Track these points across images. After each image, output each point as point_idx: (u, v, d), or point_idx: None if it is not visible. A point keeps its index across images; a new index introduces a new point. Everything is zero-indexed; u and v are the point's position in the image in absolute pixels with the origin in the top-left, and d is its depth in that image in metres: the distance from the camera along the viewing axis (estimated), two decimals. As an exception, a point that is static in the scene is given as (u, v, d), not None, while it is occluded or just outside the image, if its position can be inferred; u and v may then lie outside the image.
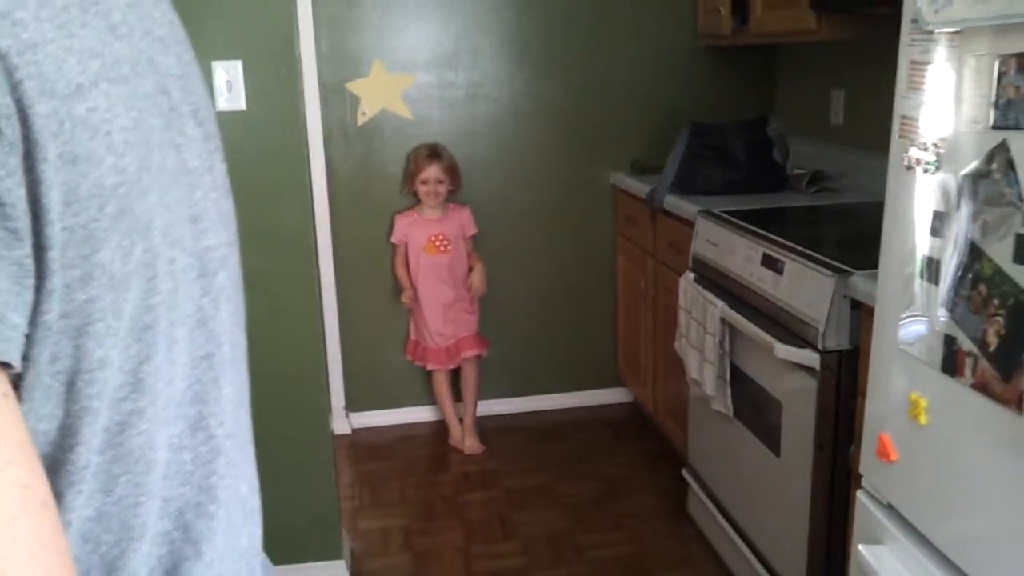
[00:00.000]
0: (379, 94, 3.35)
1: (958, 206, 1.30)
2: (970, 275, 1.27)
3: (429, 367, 3.36)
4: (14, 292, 0.37)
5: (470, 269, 3.33)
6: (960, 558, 1.33)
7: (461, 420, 3.39)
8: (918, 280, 1.40)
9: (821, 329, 1.89)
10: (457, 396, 3.43)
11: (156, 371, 0.46)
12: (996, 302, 1.21)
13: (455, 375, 3.41)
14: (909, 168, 1.42)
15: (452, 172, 3.27)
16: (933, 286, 1.36)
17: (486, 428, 3.46)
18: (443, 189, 3.22)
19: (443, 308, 3.26)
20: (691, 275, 2.56)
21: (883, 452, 1.51)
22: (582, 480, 3.09)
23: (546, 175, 3.51)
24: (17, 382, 0.39)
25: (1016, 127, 1.17)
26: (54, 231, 0.38)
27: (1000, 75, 1.20)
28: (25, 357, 0.38)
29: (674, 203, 2.86)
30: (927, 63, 1.36)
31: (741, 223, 2.39)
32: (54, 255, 0.38)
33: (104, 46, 0.43)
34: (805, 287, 1.96)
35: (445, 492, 3.05)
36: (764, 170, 2.96)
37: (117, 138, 0.42)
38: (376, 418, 3.59)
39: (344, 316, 3.48)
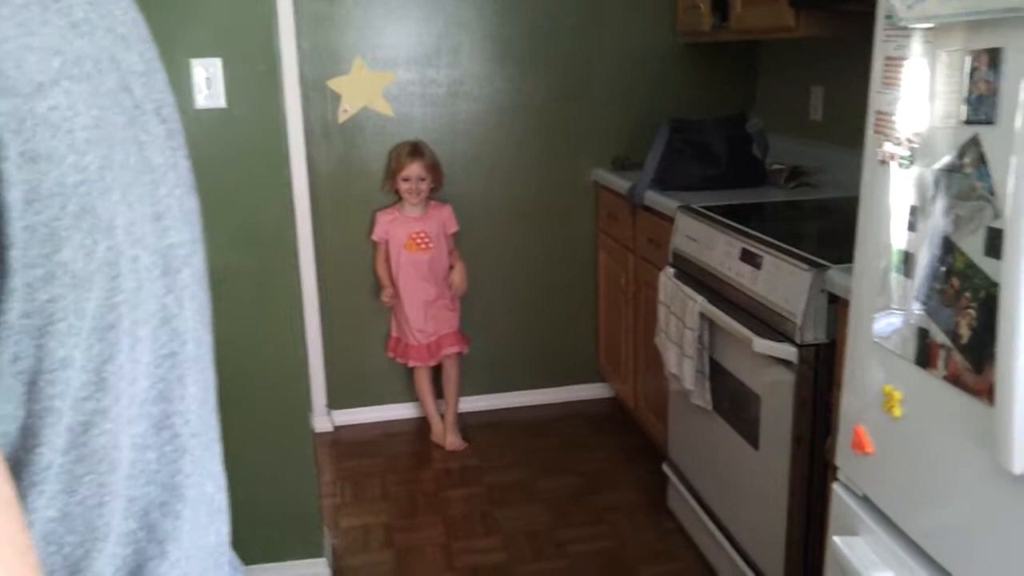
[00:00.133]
0: (360, 91, 3.34)
1: (932, 200, 1.31)
2: (943, 268, 1.28)
3: (411, 364, 3.36)
4: None
5: (451, 267, 3.33)
6: (934, 549, 1.35)
7: (443, 417, 3.39)
8: (893, 274, 1.42)
9: (799, 323, 1.90)
10: (439, 393, 3.43)
11: (119, 370, 0.45)
12: (968, 295, 1.22)
13: (437, 372, 3.41)
14: (884, 163, 1.43)
15: (434, 170, 3.27)
16: (907, 280, 1.38)
17: (468, 424, 3.46)
18: (425, 187, 3.22)
19: (424, 305, 3.26)
20: (671, 270, 2.57)
21: (858, 444, 1.52)
22: (563, 475, 3.10)
23: (527, 172, 3.52)
24: None
25: (987, 122, 1.18)
26: (15, 230, 0.38)
27: (972, 70, 1.21)
28: None
29: (654, 199, 2.87)
30: (901, 59, 1.38)
31: (720, 218, 2.40)
32: (15, 254, 0.38)
33: (65, 43, 0.43)
34: (783, 281, 1.98)
35: (427, 489, 3.05)
36: (744, 166, 2.98)
37: (79, 136, 0.42)
38: (358, 415, 3.59)
39: (326, 313, 3.47)
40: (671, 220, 2.66)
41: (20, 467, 0.41)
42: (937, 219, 1.30)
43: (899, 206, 1.40)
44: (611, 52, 3.47)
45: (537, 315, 3.65)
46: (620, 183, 3.18)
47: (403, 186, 3.22)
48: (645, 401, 3.13)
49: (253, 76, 2.18)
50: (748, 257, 2.15)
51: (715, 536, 2.40)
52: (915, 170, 1.36)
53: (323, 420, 3.52)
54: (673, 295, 2.47)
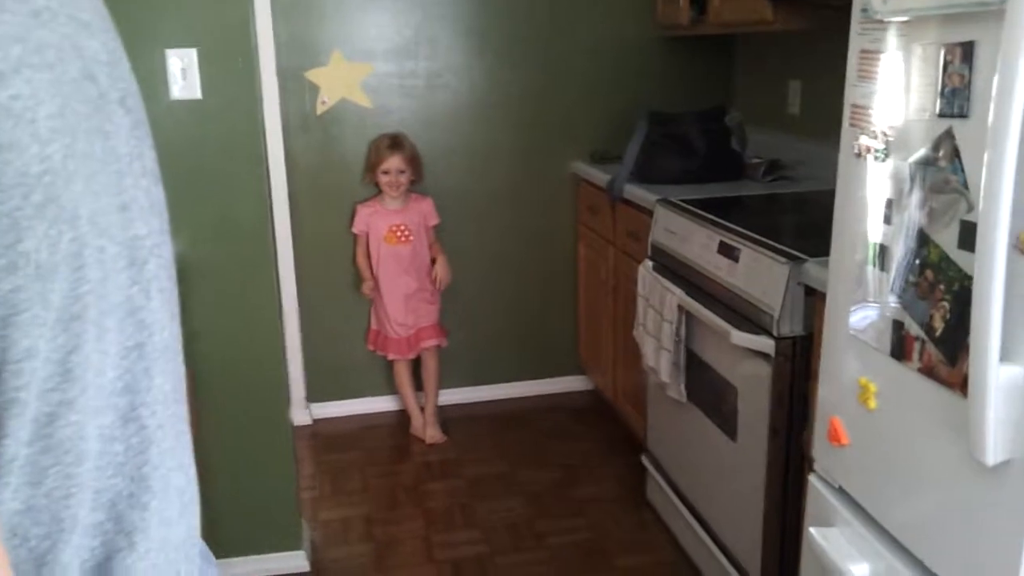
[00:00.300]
0: (338, 83, 3.32)
1: (907, 193, 1.32)
2: (918, 261, 1.29)
3: (390, 357, 3.35)
4: None
5: (432, 260, 3.32)
6: (908, 540, 1.36)
7: (422, 409, 3.38)
8: (868, 266, 1.42)
9: (776, 316, 1.91)
10: (418, 386, 3.42)
11: (85, 361, 0.45)
12: (942, 287, 1.23)
13: (416, 365, 3.41)
14: (860, 156, 1.44)
15: (414, 163, 3.26)
16: (883, 272, 1.39)
17: (447, 417, 3.46)
18: (405, 180, 3.21)
19: (404, 298, 3.26)
20: (650, 263, 2.58)
21: (834, 436, 1.53)
22: (542, 467, 3.10)
23: (507, 165, 3.51)
24: None
25: (961, 115, 1.19)
26: None
27: (946, 64, 1.22)
28: None
29: (633, 192, 2.88)
30: (877, 52, 1.38)
31: (699, 211, 2.41)
32: None
33: (26, 31, 0.42)
34: (760, 274, 1.99)
35: (406, 481, 3.04)
36: (722, 159, 2.99)
37: (42, 126, 0.41)
38: (337, 408, 3.57)
39: (304, 306, 3.46)
40: (650, 213, 2.67)
41: None
42: (912, 212, 1.31)
43: (875, 199, 1.41)
44: (590, 45, 3.47)
45: (517, 308, 3.65)
46: (600, 176, 3.18)
47: (383, 179, 3.20)
48: (624, 393, 3.14)
49: (229, 67, 2.16)
50: (726, 250, 2.16)
51: (693, 527, 2.42)
52: (890, 163, 1.37)
53: (302, 413, 3.50)
54: (652, 288, 2.48)
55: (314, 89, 3.31)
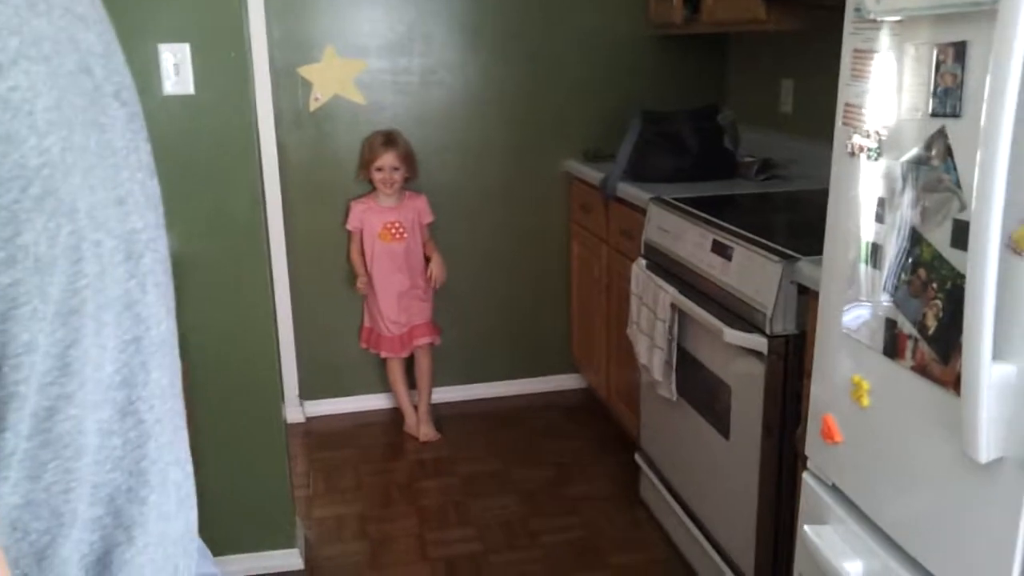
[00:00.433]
0: (332, 79, 3.32)
1: (900, 192, 1.33)
2: (910, 260, 1.30)
3: (383, 355, 3.35)
4: None
5: (426, 258, 3.32)
6: (901, 537, 1.37)
7: (416, 407, 3.38)
8: (861, 265, 1.43)
9: (769, 314, 1.91)
10: (412, 384, 3.42)
11: (84, 355, 0.45)
12: (935, 286, 1.24)
13: (410, 362, 3.40)
14: (852, 155, 1.44)
15: (408, 160, 3.25)
16: (876, 271, 1.39)
17: (441, 415, 3.46)
18: (398, 177, 3.21)
19: (397, 296, 3.25)
20: (643, 261, 2.58)
21: (827, 434, 1.54)
22: (536, 466, 3.10)
23: (500, 162, 3.51)
24: None
25: (953, 115, 1.20)
26: None
27: (938, 63, 1.22)
28: None
29: (627, 190, 2.88)
30: (870, 51, 1.39)
31: (692, 210, 2.41)
32: None
33: (23, 23, 0.42)
34: (753, 273, 1.99)
35: (400, 479, 3.04)
36: (715, 158, 2.99)
37: (40, 118, 0.41)
38: (330, 406, 3.57)
39: (298, 303, 3.45)
40: (643, 212, 2.67)
41: None
42: (905, 211, 1.31)
43: (867, 198, 1.41)
44: (583, 43, 3.47)
45: (510, 306, 3.65)
46: (593, 174, 3.19)
47: (377, 176, 3.20)
48: (617, 392, 3.15)
49: (222, 63, 2.16)
50: (719, 249, 2.16)
51: (687, 525, 2.42)
52: (883, 162, 1.37)
53: (295, 411, 3.50)
54: (645, 286, 2.48)
55: (307, 85, 3.30)
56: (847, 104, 1.46)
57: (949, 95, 1.20)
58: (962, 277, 1.16)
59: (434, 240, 3.36)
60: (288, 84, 3.28)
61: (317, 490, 2.99)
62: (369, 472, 3.10)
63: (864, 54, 1.40)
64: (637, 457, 2.81)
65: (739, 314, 2.04)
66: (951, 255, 1.20)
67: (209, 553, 0.67)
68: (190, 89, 2.15)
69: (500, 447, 3.25)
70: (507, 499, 2.89)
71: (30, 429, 0.42)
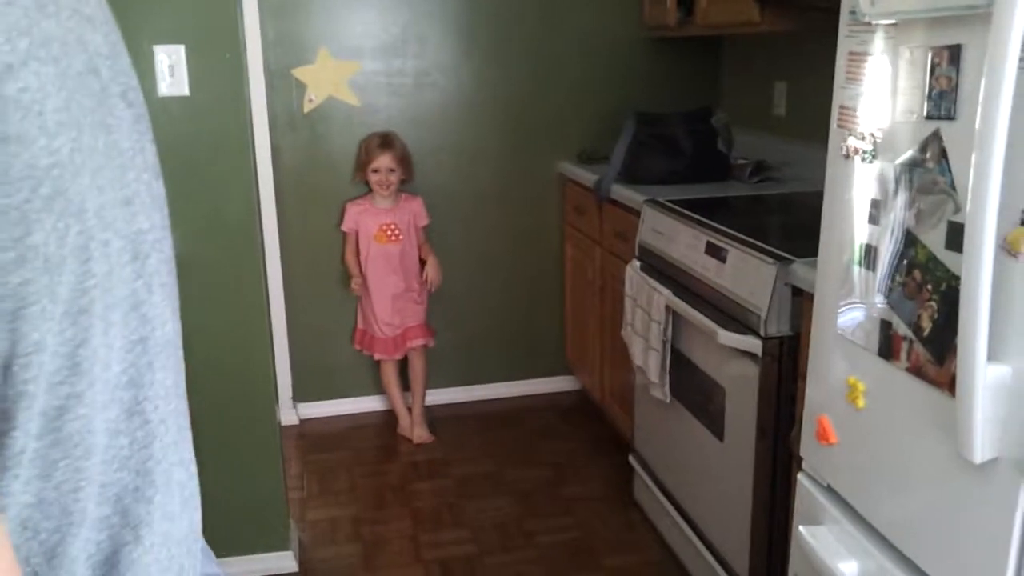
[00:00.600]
0: (326, 81, 3.32)
1: (894, 194, 1.33)
2: (905, 261, 1.30)
3: (376, 357, 3.35)
4: None
5: (422, 261, 3.32)
6: (897, 537, 1.37)
7: (410, 409, 3.38)
8: (856, 267, 1.44)
9: (763, 316, 1.92)
10: (406, 385, 3.42)
11: (93, 355, 0.45)
12: (930, 287, 1.24)
13: (404, 364, 3.40)
14: (847, 157, 1.45)
15: (404, 162, 3.26)
16: (870, 272, 1.40)
17: (435, 417, 3.46)
18: (395, 179, 3.21)
19: (392, 298, 3.25)
20: (637, 263, 2.59)
21: (822, 435, 1.54)
22: (530, 467, 3.11)
23: (494, 164, 3.52)
24: None
25: (948, 117, 1.21)
26: None
27: (933, 66, 1.23)
28: None
29: (621, 192, 2.89)
30: (865, 54, 1.40)
31: (686, 212, 2.42)
32: None
33: (32, 24, 0.42)
34: (748, 275, 2.00)
35: (394, 481, 3.04)
36: (708, 160, 3.00)
37: (49, 119, 0.42)
38: (324, 408, 3.57)
39: (291, 305, 3.45)
40: (637, 213, 2.68)
41: None
42: (899, 213, 1.32)
43: (862, 200, 1.42)
44: (577, 45, 3.48)
45: (504, 308, 3.65)
46: (587, 176, 3.19)
47: (373, 178, 3.20)
48: (611, 393, 3.15)
49: (217, 64, 2.16)
50: (713, 250, 2.17)
51: (680, 527, 2.43)
52: (878, 164, 1.38)
53: (289, 413, 3.49)
54: (639, 288, 2.49)
55: (301, 87, 3.30)
56: (842, 107, 1.47)
57: (944, 98, 1.21)
58: (957, 279, 1.16)
59: (429, 242, 3.36)
60: (282, 85, 3.28)
61: (311, 492, 2.98)
62: (363, 474, 3.10)
63: (859, 57, 1.41)
64: (631, 459, 2.82)
65: (733, 316, 2.05)
66: (946, 257, 1.21)
67: (212, 554, 0.68)
68: (185, 90, 2.15)
69: (494, 449, 3.25)
70: (501, 501, 2.89)
71: (40, 428, 0.43)
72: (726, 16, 2.75)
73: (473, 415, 3.55)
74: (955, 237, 1.18)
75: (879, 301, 1.37)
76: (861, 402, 1.43)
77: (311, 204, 3.37)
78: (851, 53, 1.43)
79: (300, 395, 3.55)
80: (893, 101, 1.34)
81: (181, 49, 2.13)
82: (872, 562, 1.41)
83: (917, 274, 1.27)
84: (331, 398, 3.57)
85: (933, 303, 1.24)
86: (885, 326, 1.36)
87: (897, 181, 1.33)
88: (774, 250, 1.96)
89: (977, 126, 1.07)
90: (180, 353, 0.59)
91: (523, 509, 2.83)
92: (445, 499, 2.91)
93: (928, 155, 1.25)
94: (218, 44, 2.15)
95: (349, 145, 3.35)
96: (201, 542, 0.62)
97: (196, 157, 2.18)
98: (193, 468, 0.61)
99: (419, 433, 3.32)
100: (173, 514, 0.55)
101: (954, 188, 1.19)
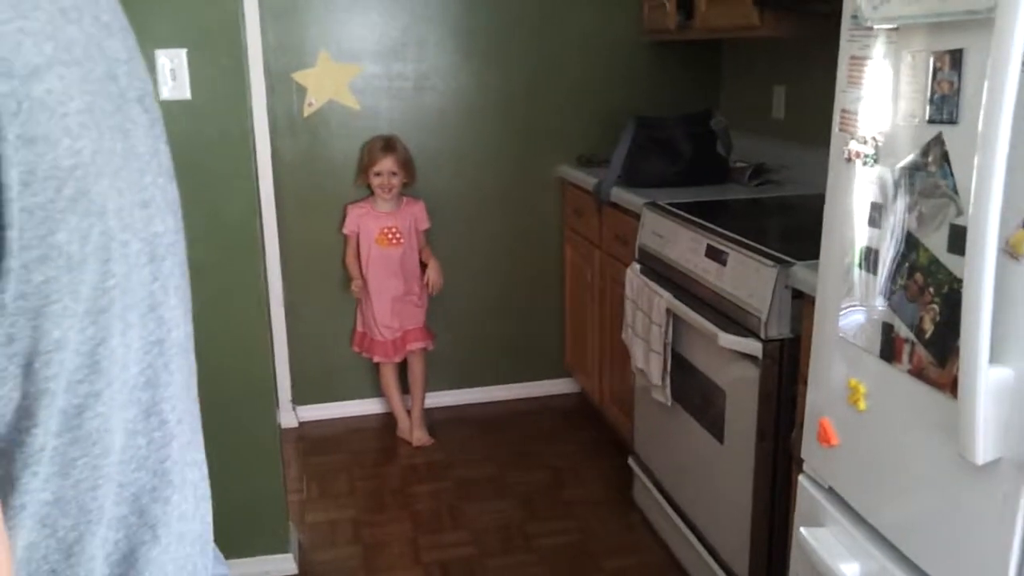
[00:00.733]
0: (326, 85, 3.32)
1: (895, 197, 1.34)
2: (907, 264, 1.31)
3: (376, 359, 3.35)
4: None
5: (423, 264, 3.33)
6: (898, 539, 1.38)
7: (409, 412, 3.38)
8: (858, 269, 1.44)
9: (763, 318, 1.93)
10: (405, 388, 3.42)
11: (112, 354, 0.46)
12: (932, 290, 1.25)
13: (403, 367, 3.41)
14: (849, 160, 1.46)
15: (406, 165, 3.26)
16: (871, 275, 1.40)
17: (434, 420, 3.46)
18: (397, 182, 3.21)
19: (392, 301, 3.26)
20: (637, 266, 2.59)
21: (824, 437, 1.55)
22: (530, 470, 3.11)
23: (493, 167, 3.52)
24: None
25: (950, 121, 1.21)
26: (13, 211, 0.39)
27: (935, 71, 1.24)
28: None
29: (620, 195, 2.90)
30: (866, 58, 1.40)
31: (686, 215, 2.43)
32: (12, 235, 0.39)
33: (56, 29, 0.43)
34: (748, 277, 2.01)
35: (393, 484, 3.04)
36: (707, 163, 3.01)
37: (73, 121, 0.42)
38: (323, 411, 3.57)
39: (291, 308, 3.45)
40: (637, 217, 2.69)
41: (14, 448, 0.41)
42: (901, 216, 1.33)
43: (863, 203, 1.43)
44: (577, 48, 3.49)
45: (504, 311, 3.66)
46: (586, 179, 3.20)
47: (375, 181, 3.21)
48: (611, 396, 3.16)
49: (218, 68, 2.16)
50: (714, 253, 2.17)
51: (680, 529, 2.43)
52: (880, 168, 1.39)
53: (288, 416, 3.49)
54: (640, 291, 2.50)
55: (301, 91, 3.30)
56: (843, 110, 1.47)
57: (946, 102, 1.22)
58: (959, 281, 1.17)
59: (430, 246, 3.37)
60: (282, 89, 3.28)
61: (310, 495, 2.98)
62: (362, 477, 3.10)
63: (861, 61, 1.42)
64: (631, 461, 2.82)
65: (733, 318, 2.05)
66: (948, 260, 1.22)
67: (222, 556, 0.68)
68: (187, 94, 2.15)
69: (494, 451, 3.25)
70: (501, 503, 2.89)
71: (60, 426, 0.43)
72: (726, 20, 2.76)
73: (473, 418, 3.55)
74: (957, 240, 1.19)
75: (880, 304, 1.38)
76: (862, 404, 1.44)
77: (311, 207, 3.38)
78: (853, 57, 1.44)
79: (299, 398, 3.55)
80: (895, 105, 1.34)
81: (183, 53, 2.13)
82: (873, 563, 1.41)
83: (919, 277, 1.28)
84: (330, 401, 3.57)
85: (935, 305, 1.24)
86: (887, 328, 1.36)
87: (898, 185, 1.33)
88: (774, 253, 1.97)
89: (980, 130, 1.07)
90: (192, 356, 0.60)
91: (523, 512, 2.84)
92: (445, 502, 2.91)
93: (930, 159, 1.26)
94: (220, 48, 2.16)
95: (349, 149, 3.35)
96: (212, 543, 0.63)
97: (197, 160, 2.19)
98: (205, 469, 0.62)
99: (418, 436, 3.32)
100: (187, 514, 0.56)
101: (956, 191, 1.20)
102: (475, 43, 3.41)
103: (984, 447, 1.13)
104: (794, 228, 2.42)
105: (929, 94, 1.25)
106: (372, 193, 3.27)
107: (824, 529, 1.56)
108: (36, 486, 0.43)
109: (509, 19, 3.41)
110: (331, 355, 3.52)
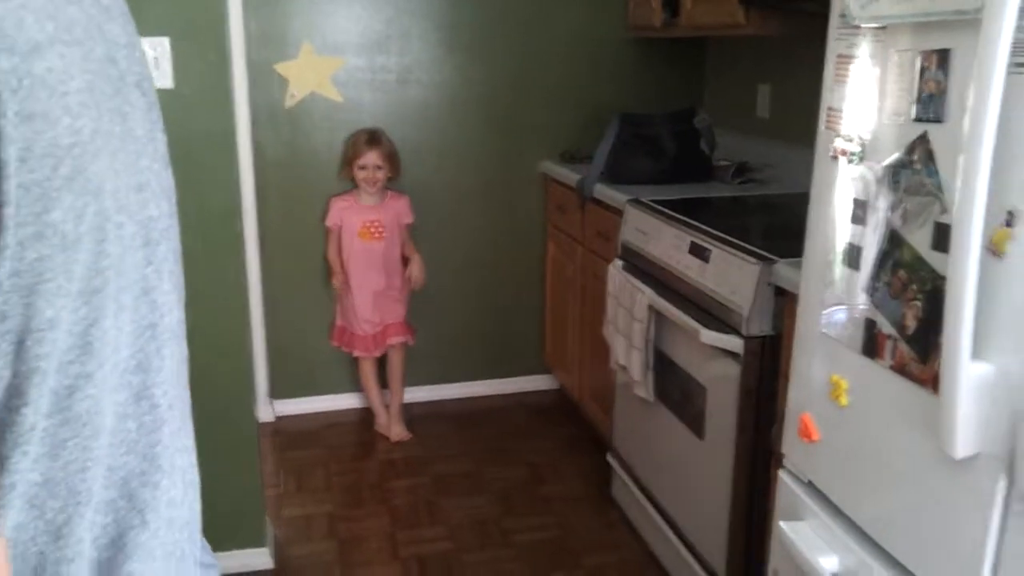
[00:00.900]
0: (308, 77, 3.30)
1: (880, 195, 1.35)
2: (891, 261, 1.32)
3: (356, 354, 3.33)
4: None
5: (405, 259, 3.31)
6: (877, 532, 1.39)
7: (387, 407, 3.37)
8: (841, 266, 1.45)
9: (745, 315, 1.94)
10: (384, 383, 3.41)
11: (104, 335, 0.46)
12: (915, 287, 1.26)
13: (382, 362, 3.39)
14: (834, 158, 1.47)
15: (391, 159, 3.25)
16: (854, 272, 1.41)
17: (413, 415, 3.45)
18: (381, 176, 3.20)
19: (373, 295, 3.24)
20: (620, 263, 2.60)
21: (805, 432, 1.56)
22: (508, 466, 3.11)
23: (476, 162, 3.52)
24: None
25: (936, 120, 1.22)
26: (10, 187, 0.39)
27: (922, 70, 1.25)
28: None
29: (603, 192, 2.90)
30: (853, 57, 1.41)
31: (669, 212, 2.44)
32: (9, 211, 0.39)
33: (57, 9, 0.43)
34: (730, 274, 2.01)
35: (371, 479, 3.03)
36: (691, 161, 3.02)
37: (72, 100, 0.43)
38: (301, 405, 3.55)
39: (268, 301, 3.43)
40: (620, 213, 2.69)
41: (4, 428, 0.41)
42: (886, 213, 1.34)
43: (848, 200, 1.44)
44: (562, 44, 3.49)
45: (484, 306, 3.65)
46: (569, 175, 3.20)
47: (359, 174, 3.19)
48: (590, 392, 3.16)
49: (201, 57, 2.14)
50: (696, 250, 2.18)
51: (658, 525, 2.44)
52: (865, 166, 1.39)
53: (265, 410, 3.47)
54: (622, 287, 2.50)
55: (283, 82, 3.28)
56: (830, 108, 1.48)
57: (932, 101, 1.22)
58: (942, 279, 1.18)
59: (413, 241, 3.36)
60: (264, 81, 3.26)
61: (287, 489, 2.97)
62: (339, 471, 3.09)
63: (848, 59, 1.42)
64: (609, 457, 2.83)
65: (716, 315, 2.06)
66: (932, 257, 1.23)
67: (208, 546, 0.68)
68: (169, 83, 2.13)
69: (472, 447, 3.25)
70: (479, 499, 2.89)
71: (50, 406, 0.43)
72: (711, 17, 2.77)
73: (451, 413, 3.55)
74: (941, 238, 1.20)
75: (863, 300, 1.39)
76: (844, 400, 1.45)
77: (291, 199, 3.36)
78: (840, 56, 1.45)
79: (276, 392, 3.53)
80: (881, 103, 1.35)
81: (166, 41, 2.11)
82: (852, 557, 1.42)
83: (902, 274, 1.29)
84: (307, 395, 3.55)
85: (918, 302, 1.25)
86: (869, 325, 1.37)
87: (883, 183, 1.34)
88: (757, 250, 1.98)
89: (965, 129, 1.08)
90: (184, 342, 0.60)
91: (501, 507, 2.84)
92: (422, 497, 2.91)
93: (915, 157, 1.27)
94: (202, 37, 2.13)
95: (331, 141, 3.33)
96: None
97: (179, 150, 2.14)
98: (194, 456, 0.61)
99: (397, 431, 3.31)
100: (176, 500, 0.56)
101: (941, 190, 1.21)
102: (459, 37, 3.40)
103: (964, 442, 1.14)
104: (777, 226, 2.44)
105: (916, 93, 1.26)
106: (356, 186, 3.25)
107: (803, 523, 1.57)
108: (26, 466, 0.42)
109: (494, 13, 3.41)
110: (309, 349, 3.50)
